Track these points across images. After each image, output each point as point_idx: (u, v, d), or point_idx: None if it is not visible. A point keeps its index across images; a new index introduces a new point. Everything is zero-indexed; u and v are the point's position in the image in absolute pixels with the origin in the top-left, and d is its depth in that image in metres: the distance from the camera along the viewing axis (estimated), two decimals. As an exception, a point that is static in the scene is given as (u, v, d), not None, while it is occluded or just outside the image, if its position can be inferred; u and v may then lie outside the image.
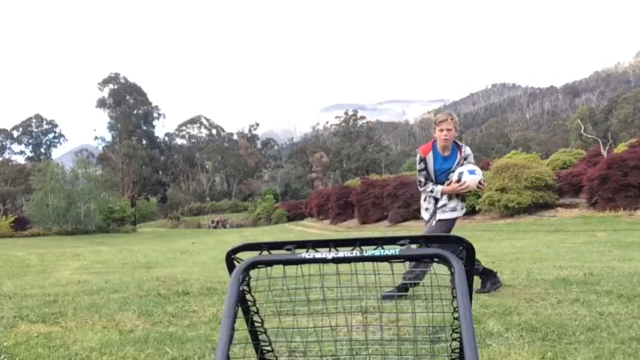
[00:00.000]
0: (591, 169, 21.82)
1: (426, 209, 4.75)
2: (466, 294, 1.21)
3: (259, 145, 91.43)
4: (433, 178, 4.66)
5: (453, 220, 4.64)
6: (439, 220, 4.58)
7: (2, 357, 2.79)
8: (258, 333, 1.55)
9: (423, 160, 4.65)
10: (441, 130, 4.57)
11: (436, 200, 4.67)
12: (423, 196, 4.82)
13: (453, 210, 4.60)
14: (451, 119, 4.59)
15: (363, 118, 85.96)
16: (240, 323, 1.42)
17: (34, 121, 77.45)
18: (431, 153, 4.66)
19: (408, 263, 1.33)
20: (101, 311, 4.14)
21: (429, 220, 4.74)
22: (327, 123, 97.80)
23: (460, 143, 4.70)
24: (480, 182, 4.49)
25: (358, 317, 3.15)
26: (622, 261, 7.20)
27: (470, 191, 4.68)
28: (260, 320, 1.54)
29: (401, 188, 28.77)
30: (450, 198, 4.59)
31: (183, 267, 9.16)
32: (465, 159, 4.61)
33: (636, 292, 4.15)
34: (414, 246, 1.35)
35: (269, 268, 1.41)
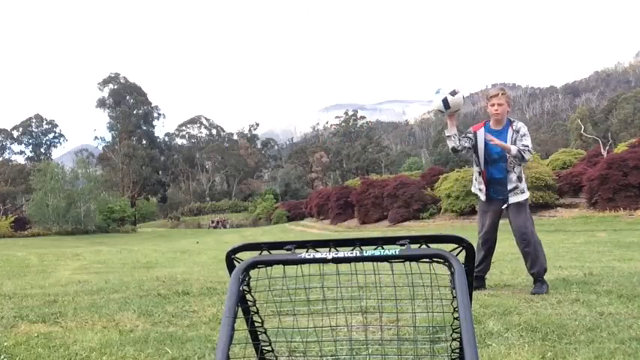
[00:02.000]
0: (591, 169, 21.82)
1: (480, 189, 4.68)
2: (466, 294, 1.21)
3: (259, 145, 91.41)
4: (481, 154, 4.54)
5: (526, 202, 4.57)
6: (517, 204, 4.50)
7: (2, 357, 2.79)
8: (258, 333, 1.55)
9: (473, 134, 4.57)
10: (492, 105, 4.51)
11: (490, 181, 4.57)
12: (474, 175, 4.76)
13: (523, 192, 4.53)
14: (502, 94, 4.55)
15: (363, 118, 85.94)
16: (240, 323, 1.42)
17: (34, 121, 77.42)
18: (482, 129, 4.58)
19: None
20: (101, 311, 4.14)
21: (489, 203, 4.60)
22: (327, 123, 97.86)
23: (513, 119, 4.61)
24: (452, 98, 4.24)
25: (358, 317, 3.16)
26: (622, 261, 7.20)
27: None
28: (260, 320, 1.54)
29: (401, 188, 28.77)
30: (519, 180, 4.53)
31: (183, 267, 9.16)
32: (517, 132, 4.50)
33: (636, 292, 4.15)
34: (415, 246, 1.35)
35: (269, 268, 1.41)
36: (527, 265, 4.57)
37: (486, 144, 4.49)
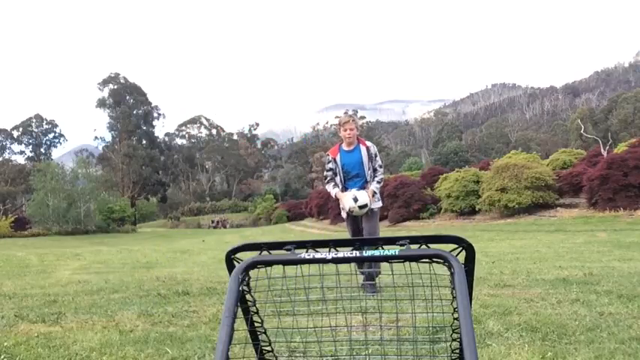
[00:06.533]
0: (591, 169, 21.81)
1: (342, 208, 5.24)
2: (466, 294, 1.21)
3: (259, 145, 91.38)
4: (341, 173, 5.23)
5: (379, 210, 5.32)
6: (372, 210, 5.17)
7: (2, 357, 2.79)
8: (258, 333, 1.55)
9: (333, 159, 5.23)
10: (345, 130, 5.18)
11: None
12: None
13: (378, 200, 5.25)
14: (352, 121, 5.27)
15: (363, 118, 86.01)
16: (240, 323, 1.42)
17: (34, 121, 77.39)
18: (339, 153, 5.25)
19: None
20: (101, 311, 4.14)
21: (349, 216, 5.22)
22: (327, 123, 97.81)
23: (363, 139, 5.35)
24: (353, 206, 4.95)
25: (358, 317, 3.16)
26: (622, 261, 7.21)
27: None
28: (260, 320, 1.53)
29: (401, 188, 28.75)
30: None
31: (183, 267, 9.17)
32: (369, 150, 5.19)
33: (636, 292, 4.15)
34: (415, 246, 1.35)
35: (269, 268, 1.41)
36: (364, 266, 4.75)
37: (344, 164, 5.18)
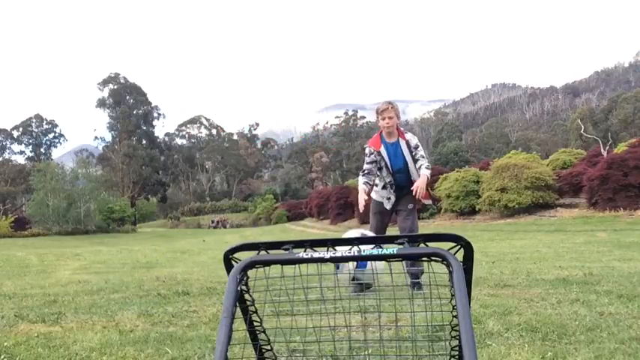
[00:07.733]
0: (591, 169, 21.81)
1: (388, 199, 4.99)
2: (464, 292, 1.21)
3: (259, 145, 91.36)
4: (389, 167, 4.86)
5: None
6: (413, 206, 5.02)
7: (2, 357, 2.78)
8: (257, 333, 1.55)
9: (377, 152, 4.85)
10: (384, 119, 4.80)
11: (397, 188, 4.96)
12: (379, 186, 5.05)
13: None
14: (392, 107, 4.83)
15: (363, 118, 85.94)
16: (240, 323, 1.42)
17: (34, 121, 77.40)
18: (381, 144, 4.84)
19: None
20: (101, 311, 4.14)
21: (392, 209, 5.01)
22: (327, 123, 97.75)
23: (402, 129, 4.97)
24: None
25: (357, 317, 3.15)
26: (622, 261, 7.20)
27: None
28: (259, 320, 1.53)
29: (401, 188, 28.74)
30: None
31: (183, 267, 9.17)
32: (409, 144, 4.84)
33: (636, 292, 4.14)
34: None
35: (267, 267, 1.41)
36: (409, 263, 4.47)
37: (390, 158, 4.81)
